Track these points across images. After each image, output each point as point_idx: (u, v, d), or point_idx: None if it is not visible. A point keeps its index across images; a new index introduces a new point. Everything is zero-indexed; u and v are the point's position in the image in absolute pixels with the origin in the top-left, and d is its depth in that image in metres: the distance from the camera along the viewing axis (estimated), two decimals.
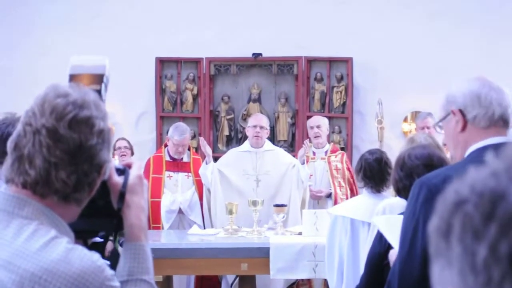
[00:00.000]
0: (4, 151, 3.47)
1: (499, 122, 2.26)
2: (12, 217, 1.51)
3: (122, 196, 1.66)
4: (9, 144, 1.55)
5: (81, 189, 1.54)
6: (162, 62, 7.97)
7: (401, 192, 3.28)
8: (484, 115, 2.25)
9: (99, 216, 1.67)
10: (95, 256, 1.51)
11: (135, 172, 1.70)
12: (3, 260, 1.46)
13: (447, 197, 0.79)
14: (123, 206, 1.66)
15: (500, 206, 0.73)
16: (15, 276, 1.43)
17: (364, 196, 4.57)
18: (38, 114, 1.51)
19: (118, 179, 1.67)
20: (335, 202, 6.27)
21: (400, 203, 3.55)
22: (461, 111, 2.28)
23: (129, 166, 1.72)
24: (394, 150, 5.98)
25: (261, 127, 6.52)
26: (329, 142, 6.97)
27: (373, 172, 4.40)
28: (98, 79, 1.75)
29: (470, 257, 0.74)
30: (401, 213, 3.17)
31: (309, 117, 7.66)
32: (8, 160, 1.56)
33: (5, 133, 3.42)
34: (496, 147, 2.18)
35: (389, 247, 3.01)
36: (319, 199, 6.58)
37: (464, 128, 2.28)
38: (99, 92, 1.69)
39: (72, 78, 1.74)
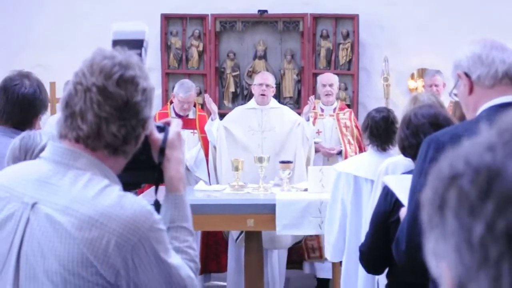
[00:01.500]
0: (17, 112, 3.37)
1: (504, 79, 2.27)
2: (68, 168, 1.66)
3: (162, 151, 1.81)
4: (61, 103, 1.68)
5: (129, 142, 1.68)
6: (167, 19, 7.93)
7: (406, 150, 3.29)
8: (487, 73, 2.27)
9: (141, 170, 1.82)
10: (144, 201, 1.67)
11: (174, 129, 1.85)
12: (61, 206, 1.61)
13: (441, 170, 0.77)
14: (163, 160, 1.81)
15: (497, 183, 0.72)
16: (74, 219, 1.58)
17: (369, 154, 4.59)
18: (88, 74, 1.64)
19: (159, 136, 1.82)
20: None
21: (404, 162, 3.57)
22: (466, 74, 2.30)
23: (168, 124, 1.86)
24: (400, 108, 5.99)
25: (267, 85, 6.51)
26: (336, 100, 6.99)
27: (379, 131, 4.41)
28: (139, 43, 1.95)
29: (466, 234, 0.73)
30: (405, 172, 3.21)
31: (315, 74, 7.65)
32: (61, 117, 1.69)
33: (19, 95, 3.35)
34: (504, 106, 2.20)
35: (395, 205, 3.05)
36: (331, 156, 6.61)
37: (471, 90, 2.30)
38: (139, 55, 1.86)
39: (115, 43, 1.90)
